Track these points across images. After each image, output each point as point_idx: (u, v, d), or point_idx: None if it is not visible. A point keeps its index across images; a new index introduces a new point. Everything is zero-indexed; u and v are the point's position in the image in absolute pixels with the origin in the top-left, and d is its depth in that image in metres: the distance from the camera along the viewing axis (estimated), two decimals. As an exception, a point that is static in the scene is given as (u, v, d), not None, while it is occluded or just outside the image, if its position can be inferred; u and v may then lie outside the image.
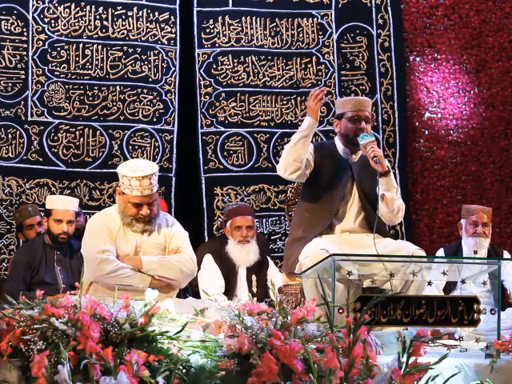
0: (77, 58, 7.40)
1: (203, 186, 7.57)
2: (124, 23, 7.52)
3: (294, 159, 4.94)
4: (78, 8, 7.44)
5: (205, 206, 7.55)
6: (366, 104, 5.21)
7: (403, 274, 4.57)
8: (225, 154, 7.63)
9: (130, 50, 7.52)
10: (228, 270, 6.29)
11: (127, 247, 4.92)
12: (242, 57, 7.74)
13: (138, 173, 4.85)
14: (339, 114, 5.20)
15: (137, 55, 7.52)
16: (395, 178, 7.79)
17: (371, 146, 4.98)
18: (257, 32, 7.77)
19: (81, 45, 7.42)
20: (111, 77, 7.47)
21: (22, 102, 7.27)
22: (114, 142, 7.44)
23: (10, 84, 7.26)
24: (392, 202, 5.04)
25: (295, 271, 4.97)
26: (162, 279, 4.87)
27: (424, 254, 5.00)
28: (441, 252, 6.51)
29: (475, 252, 6.30)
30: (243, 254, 6.27)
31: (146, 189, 4.84)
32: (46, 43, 7.34)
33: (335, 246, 4.88)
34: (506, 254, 6.49)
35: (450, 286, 5.96)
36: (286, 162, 4.97)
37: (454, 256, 6.26)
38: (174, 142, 7.53)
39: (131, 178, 4.84)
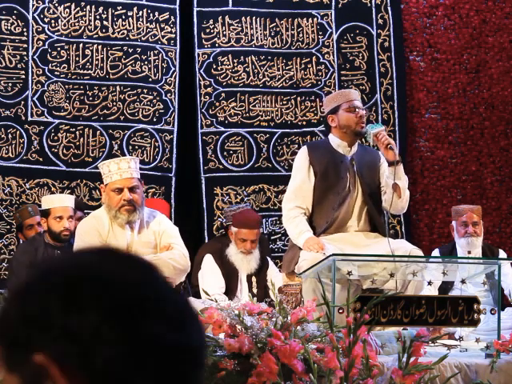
0: (77, 58, 7.40)
1: (203, 185, 7.56)
2: (124, 23, 7.52)
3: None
4: (78, 8, 7.43)
5: (205, 206, 7.54)
6: (357, 95, 5.30)
7: (403, 274, 4.58)
8: (225, 154, 7.62)
9: (130, 50, 7.51)
10: (228, 272, 6.27)
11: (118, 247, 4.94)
12: (241, 57, 7.73)
13: (115, 159, 5.16)
14: (334, 108, 5.11)
15: (137, 55, 7.52)
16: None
17: (383, 135, 4.97)
18: (257, 32, 7.76)
19: (81, 45, 7.41)
20: (111, 77, 7.46)
21: (22, 102, 7.26)
22: (114, 142, 7.43)
23: (10, 84, 7.25)
24: (404, 191, 5.04)
25: (295, 270, 4.97)
26: None
27: (421, 252, 5.02)
28: (436, 252, 6.47)
29: (469, 252, 6.28)
30: (245, 262, 6.23)
31: (124, 172, 5.00)
32: (46, 43, 7.34)
33: (335, 246, 4.88)
34: (502, 253, 6.46)
35: (446, 286, 5.95)
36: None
37: (455, 256, 6.25)
38: (174, 142, 7.52)
39: (109, 164, 5.08)
